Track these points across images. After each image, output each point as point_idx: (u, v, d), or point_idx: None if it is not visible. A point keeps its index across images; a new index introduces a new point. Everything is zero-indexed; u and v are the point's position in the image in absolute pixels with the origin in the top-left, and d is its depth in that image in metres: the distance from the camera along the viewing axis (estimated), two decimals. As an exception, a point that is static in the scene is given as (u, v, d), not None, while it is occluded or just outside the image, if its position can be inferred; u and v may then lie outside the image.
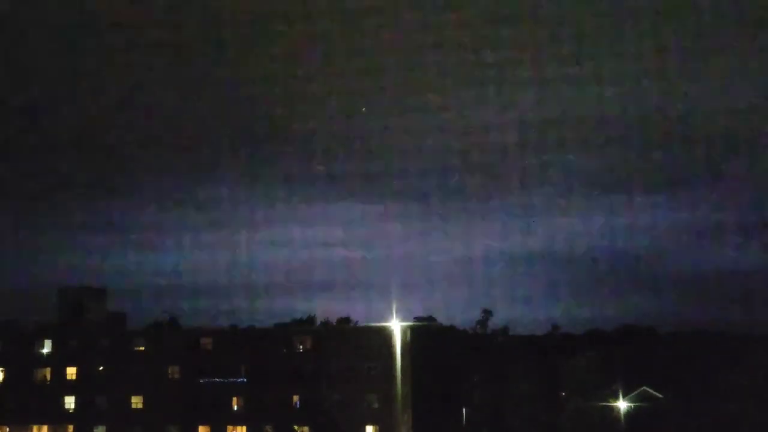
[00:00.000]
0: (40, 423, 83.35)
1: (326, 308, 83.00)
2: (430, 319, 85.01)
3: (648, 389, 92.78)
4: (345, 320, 79.87)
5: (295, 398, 79.26)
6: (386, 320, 75.67)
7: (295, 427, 78.61)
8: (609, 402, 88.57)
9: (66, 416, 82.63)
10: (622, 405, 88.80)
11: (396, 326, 75.90)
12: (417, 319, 78.23)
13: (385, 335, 77.36)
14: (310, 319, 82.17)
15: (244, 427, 79.84)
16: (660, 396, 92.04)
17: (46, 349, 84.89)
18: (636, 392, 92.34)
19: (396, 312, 74.51)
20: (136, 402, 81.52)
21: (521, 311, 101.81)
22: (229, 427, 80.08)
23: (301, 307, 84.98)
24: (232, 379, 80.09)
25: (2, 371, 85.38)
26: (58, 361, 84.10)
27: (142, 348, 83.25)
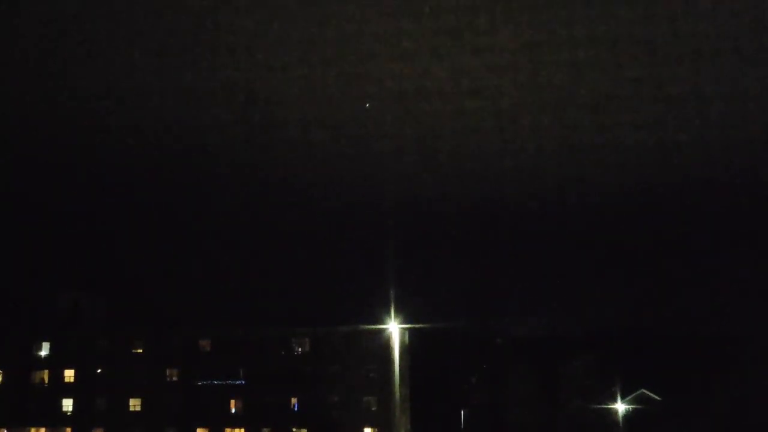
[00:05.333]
0: (39, 425, 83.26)
1: (325, 310, 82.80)
2: (429, 321, 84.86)
3: (646, 391, 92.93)
4: (343, 322, 79.73)
5: (294, 400, 79.30)
6: (385, 322, 75.65)
7: (294, 429, 78.64)
8: (607, 404, 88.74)
9: (64, 418, 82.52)
10: (621, 407, 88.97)
11: (394, 328, 75.88)
12: (416, 321, 78.07)
13: (383, 337, 77.36)
14: (309, 321, 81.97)
15: (243, 429, 79.82)
16: (658, 398, 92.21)
17: (44, 351, 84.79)
18: (634, 394, 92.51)
19: (395, 314, 74.47)
20: (135, 404, 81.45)
21: (520, 312, 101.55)
22: (228, 429, 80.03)
23: (300, 308, 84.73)
24: (230, 381, 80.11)
25: (0, 373, 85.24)
26: (56, 363, 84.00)
27: (141, 350, 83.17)
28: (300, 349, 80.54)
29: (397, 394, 77.62)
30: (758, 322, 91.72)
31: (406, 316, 75.87)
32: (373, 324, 76.96)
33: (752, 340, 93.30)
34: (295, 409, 79.02)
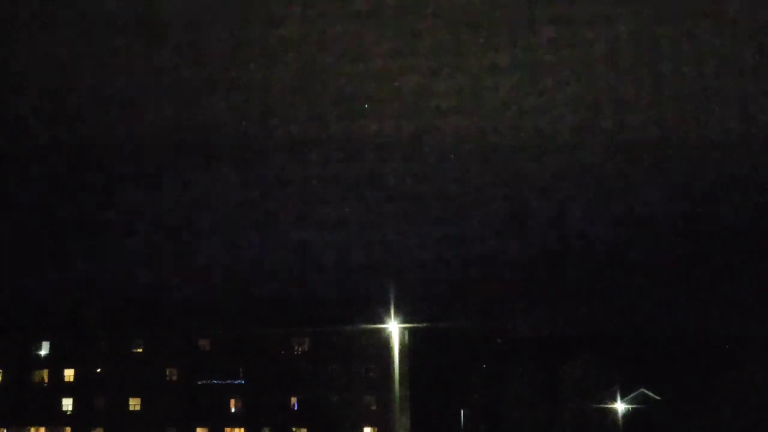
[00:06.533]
0: (38, 425, 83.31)
1: (324, 310, 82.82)
2: (429, 320, 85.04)
3: (646, 391, 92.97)
4: (343, 321, 79.76)
5: (293, 400, 79.34)
6: (385, 322, 75.66)
7: (293, 429, 78.68)
8: (607, 404, 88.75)
9: (63, 418, 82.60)
10: (620, 407, 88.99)
11: (394, 328, 75.89)
12: (416, 320, 78.09)
13: (383, 337, 77.40)
14: (309, 321, 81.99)
15: (242, 429, 79.88)
16: (658, 398, 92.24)
17: (44, 351, 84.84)
18: (634, 394, 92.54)
19: (394, 313, 74.49)
20: (134, 404, 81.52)
21: (519, 313, 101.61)
22: (227, 429, 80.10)
23: (299, 308, 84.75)
24: (230, 381, 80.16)
25: (0, 373, 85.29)
26: (56, 363, 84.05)
27: (140, 350, 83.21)
28: (300, 349, 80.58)
29: (397, 394, 77.64)
30: (758, 322, 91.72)
31: (406, 316, 75.93)
32: (373, 324, 77.04)
33: (752, 340, 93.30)
34: (295, 408, 79.06)
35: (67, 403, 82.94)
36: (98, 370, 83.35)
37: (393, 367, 76.70)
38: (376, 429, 77.52)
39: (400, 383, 78.11)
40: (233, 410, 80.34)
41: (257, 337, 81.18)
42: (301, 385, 78.70)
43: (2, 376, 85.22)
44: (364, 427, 77.50)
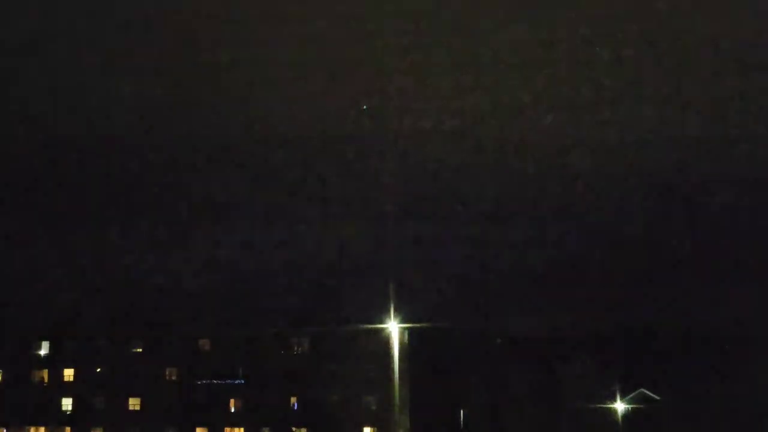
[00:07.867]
0: (38, 425, 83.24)
1: (324, 310, 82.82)
2: (429, 320, 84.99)
3: (645, 391, 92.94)
4: (343, 321, 79.70)
5: (293, 400, 79.29)
6: (384, 322, 75.61)
7: (293, 429, 78.64)
8: (607, 404, 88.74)
9: (63, 418, 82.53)
10: (620, 407, 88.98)
11: (394, 328, 75.83)
12: (415, 320, 78.04)
13: (383, 337, 77.33)
14: (309, 321, 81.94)
15: (242, 429, 79.82)
16: (657, 398, 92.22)
17: (44, 351, 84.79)
18: (634, 394, 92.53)
19: (394, 313, 74.41)
20: (134, 404, 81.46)
21: (519, 313, 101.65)
22: (227, 429, 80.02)
23: (299, 308, 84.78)
24: (230, 381, 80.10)
25: (0, 373, 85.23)
26: (55, 363, 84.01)
27: (140, 350, 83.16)
28: (300, 349, 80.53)
29: (397, 394, 77.56)
30: (758, 322, 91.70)
31: (406, 315, 75.81)
32: (373, 324, 76.93)
33: (752, 340, 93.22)
34: (295, 408, 79.02)
35: (67, 403, 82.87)
36: (98, 370, 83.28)
37: (393, 367, 76.68)
38: (376, 429, 77.45)
39: (400, 383, 78.04)
40: (233, 410, 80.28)
41: (257, 337, 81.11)
42: (301, 385, 78.62)
43: (2, 376, 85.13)
44: (364, 427, 77.44)
